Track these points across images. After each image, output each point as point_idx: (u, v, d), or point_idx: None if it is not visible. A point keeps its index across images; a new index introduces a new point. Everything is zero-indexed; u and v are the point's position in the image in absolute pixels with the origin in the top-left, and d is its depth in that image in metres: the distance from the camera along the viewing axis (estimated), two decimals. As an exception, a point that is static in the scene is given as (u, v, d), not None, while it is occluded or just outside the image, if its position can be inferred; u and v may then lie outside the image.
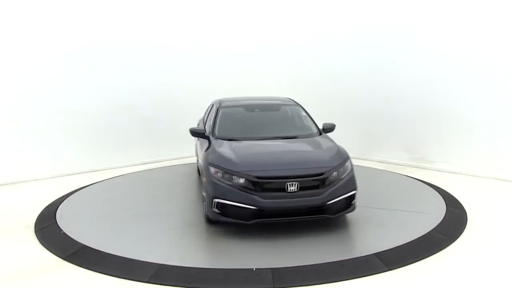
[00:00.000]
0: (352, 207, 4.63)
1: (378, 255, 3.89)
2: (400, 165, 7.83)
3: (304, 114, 5.93)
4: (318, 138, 5.30)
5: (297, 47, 9.44)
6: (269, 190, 4.30)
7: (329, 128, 5.64)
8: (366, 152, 8.35)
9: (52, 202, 5.77)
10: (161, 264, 3.78)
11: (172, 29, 8.55)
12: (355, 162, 8.13)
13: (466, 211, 5.17)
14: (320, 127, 5.68)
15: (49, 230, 4.75)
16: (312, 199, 4.29)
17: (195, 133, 5.55)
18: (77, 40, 7.49)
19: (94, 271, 3.71)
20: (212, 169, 4.54)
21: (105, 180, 7.02)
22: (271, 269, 3.65)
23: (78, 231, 4.63)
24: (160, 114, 8.44)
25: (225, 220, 4.41)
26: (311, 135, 5.41)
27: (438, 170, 7.37)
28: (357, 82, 8.51)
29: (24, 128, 7.08)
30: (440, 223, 4.72)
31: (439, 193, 5.93)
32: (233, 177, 4.37)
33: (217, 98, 6.61)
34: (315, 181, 4.36)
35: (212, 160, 4.66)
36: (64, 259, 3.98)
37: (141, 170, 7.79)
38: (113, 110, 7.96)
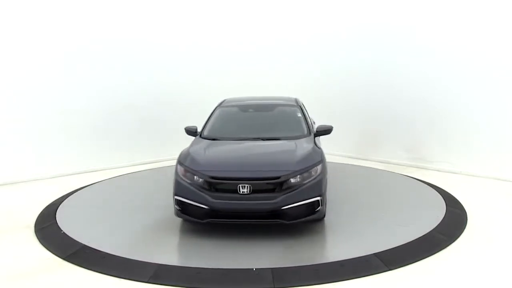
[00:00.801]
0: (317, 214, 4.34)
1: (378, 255, 3.89)
2: (400, 165, 7.83)
3: (299, 115, 5.71)
4: (301, 141, 5.00)
5: (297, 47, 9.45)
6: (221, 191, 4.30)
7: (324, 131, 5.40)
8: (366, 152, 8.35)
9: (52, 202, 5.77)
10: (161, 264, 3.77)
11: (172, 29, 8.55)
12: (355, 162, 8.17)
13: (466, 211, 5.17)
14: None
15: (49, 230, 4.75)
16: (264, 203, 4.18)
17: (188, 131, 5.72)
18: (77, 40, 7.50)
19: (94, 271, 3.71)
20: (178, 167, 4.66)
21: (105, 180, 7.02)
22: (271, 269, 3.65)
23: (78, 231, 4.63)
24: (160, 114, 8.45)
25: (184, 217, 4.55)
26: (296, 137, 5.13)
27: (438, 170, 7.37)
28: (357, 82, 8.51)
29: (24, 128, 7.09)
30: (440, 223, 4.71)
31: (439, 193, 5.92)
32: (194, 176, 4.43)
33: (217, 98, 6.63)
34: (269, 184, 4.25)
35: (180, 158, 4.78)
36: (64, 259, 3.98)
37: (141, 170, 7.79)
38: (113, 110, 7.96)
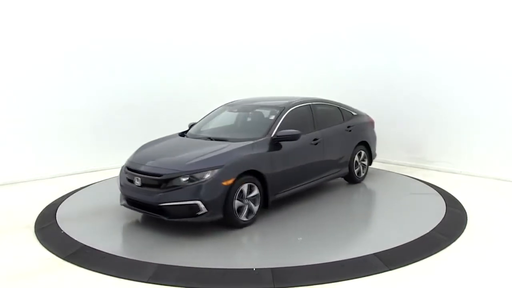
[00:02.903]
0: (199, 218, 4.34)
1: (378, 255, 3.89)
2: (400, 165, 7.83)
3: (271, 118, 5.36)
4: (237, 144, 4.83)
5: (296, 48, 9.44)
6: (128, 180, 4.81)
7: (284, 136, 5.01)
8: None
9: (52, 202, 5.77)
10: (161, 264, 3.77)
11: (172, 29, 8.55)
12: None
13: (466, 211, 5.17)
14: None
15: (49, 230, 4.75)
16: (147, 196, 4.49)
17: (190, 127, 6.09)
18: (77, 40, 7.49)
19: (94, 271, 3.71)
20: None
21: (105, 180, 7.02)
22: (271, 269, 3.64)
23: (78, 231, 4.63)
24: (160, 114, 8.44)
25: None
26: (246, 139, 4.96)
27: (438, 170, 7.37)
28: (357, 82, 8.50)
29: (24, 128, 7.08)
30: (440, 223, 4.71)
31: (439, 193, 5.92)
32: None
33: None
34: (154, 180, 4.48)
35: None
36: (64, 259, 3.97)
37: (141, 170, 7.77)
38: (113, 110, 7.96)
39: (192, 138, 5.49)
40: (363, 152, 6.52)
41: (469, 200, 5.55)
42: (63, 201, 5.81)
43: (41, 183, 6.98)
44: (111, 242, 4.42)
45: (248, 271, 3.64)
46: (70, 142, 7.54)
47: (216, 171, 4.37)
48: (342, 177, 6.33)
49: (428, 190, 6.12)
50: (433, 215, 4.97)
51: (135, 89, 8.18)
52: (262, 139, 4.98)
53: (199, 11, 8.86)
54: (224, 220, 4.51)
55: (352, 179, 6.40)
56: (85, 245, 4.22)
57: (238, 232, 4.56)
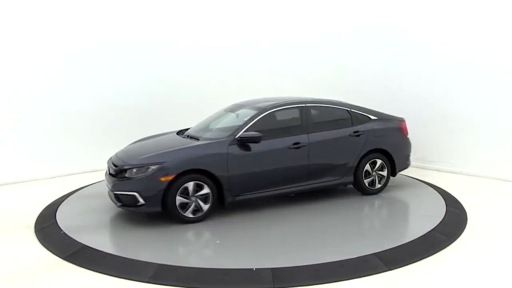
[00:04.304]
0: (139, 208, 4.74)
1: (378, 255, 3.89)
2: (400, 165, 7.82)
3: (245, 119, 5.32)
4: (194, 143, 5.07)
5: (296, 48, 9.44)
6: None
7: (246, 138, 5.00)
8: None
9: (52, 202, 5.77)
10: (161, 264, 3.77)
11: (173, 29, 8.54)
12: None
13: (466, 211, 5.17)
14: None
15: (49, 230, 4.75)
16: (109, 184, 5.01)
17: None
18: (77, 40, 7.49)
19: (94, 271, 3.71)
20: None
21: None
22: (271, 269, 3.64)
23: (78, 231, 4.63)
24: (160, 114, 8.43)
25: None
26: (211, 139, 5.15)
27: (438, 170, 7.37)
28: (357, 83, 8.50)
29: (24, 128, 7.08)
30: (440, 223, 4.71)
31: (439, 193, 5.93)
32: None
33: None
34: (113, 170, 5.00)
35: None
36: (64, 259, 3.98)
37: (141, 170, 7.77)
38: (113, 110, 7.95)
39: (180, 136, 5.68)
40: (379, 161, 5.83)
41: (469, 200, 5.55)
42: (63, 201, 5.81)
43: (41, 183, 6.98)
44: (111, 242, 4.43)
45: (248, 271, 3.64)
46: (70, 142, 7.54)
47: (155, 167, 4.68)
48: (346, 185, 5.89)
49: (428, 190, 6.12)
50: (433, 215, 4.97)
51: (135, 89, 8.18)
52: (222, 139, 5.06)
53: (199, 11, 8.85)
54: (169, 214, 4.77)
55: (362, 189, 5.83)
56: (85, 245, 4.22)
57: (238, 232, 4.56)
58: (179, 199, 4.70)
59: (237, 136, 5.04)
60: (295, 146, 5.31)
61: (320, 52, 9.11)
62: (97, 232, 4.69)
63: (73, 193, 6.22)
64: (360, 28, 8.45)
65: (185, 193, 4.73)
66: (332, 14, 8.88)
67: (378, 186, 5.90)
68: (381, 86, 8.16)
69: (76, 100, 7.56)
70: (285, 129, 5.47)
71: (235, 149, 5.00)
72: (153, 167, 4.68)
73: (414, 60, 7.68)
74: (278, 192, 5.29)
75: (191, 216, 4.80)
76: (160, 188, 4.62)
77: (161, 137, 5.88)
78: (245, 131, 5.10)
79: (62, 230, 4.66)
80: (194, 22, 8.79)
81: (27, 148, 7.12)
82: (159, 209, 4.70)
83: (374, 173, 5.86)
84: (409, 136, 6.27)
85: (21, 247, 4.33)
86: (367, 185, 5.82)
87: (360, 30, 8.44)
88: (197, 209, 4.83)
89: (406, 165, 6.21)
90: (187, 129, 6.05)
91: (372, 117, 6.03)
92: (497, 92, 6.72)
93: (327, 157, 5.56)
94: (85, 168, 7.60)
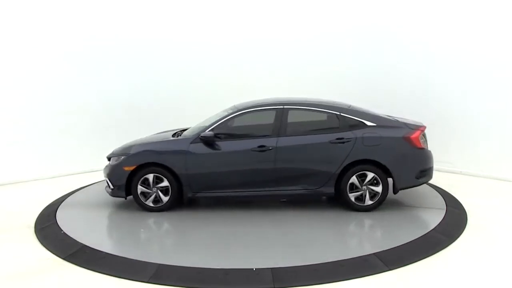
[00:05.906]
0: (111, 192, 5.40)
1: (378, 255, 3.89)
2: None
3: (216, 119, 5.37)
4: (168, 140, 5.48)
5: (296, 48, 9.43)
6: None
7: (204, 137, 5.12)
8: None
9: (52, 202, 5.77)
10: (161, 264, 3.77)
11: (173, 29, 8.53)
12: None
13: (466, 211, 5.17)
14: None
15: (49, 230, 4.75)
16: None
17: None
18: (77, 40, 7.49)
19: (94, 271, 3.71)
20: None
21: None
22: (271, 269, 3.64)
23: (78, 231, 4.63)
24: (161, 114, 8.43)
25: None
26: (188, 135, 5.39)
27: (438, 170, 7.33)
28: (357, 83, 8.50)
29: (25, 128, 7.08)
30: (440, 223, 4.71)
31: (439, 193, 5.93)
32: None
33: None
34: (107, 158, 5.62)
35: None
36: (64, 259, 3.98)
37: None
38: (113, 110, 7.96)
39: (170, 133, 5.95)
40: (370, 174, 5.02)
41: (469, 200, 5.55)
42: (63, 201, 5.81)
43: (41, 183, 6.98)
44: (111, 242, 4.43)
45: (248, 271, 3.64)
46: (70, 142, 7.54)
47: (122, 157, 5.30)
48: (325, 196, 5.43)
49: (428, 190, 6.11)
50: (433, 215, 4.98)
51: (135, 89, 8.18)
52: (186, 138, 5.33)
53: (199, 11, 8.84)
54: (135, 201, 5.26)
55: (348, 204, 5.12)
56: (85, 245, 4.22)
57: (238, 232, 4.56)
58: (140, 188, 5.18)
59: (201, 135, 5.19)
60: (260, 149, 5.04)
61: (320, 52, 9.09)
62: (97, 232, 4.70)
63: (73, 193, 6.22)
64: (360, 28, 8.44)
65: (146, 183, 5.18)
66: (333, 14, 8.88)
67: (369, 202, 5.09)
68: (381, 86, 8.16)
69: (76, 100, 7.56)
70: (256, 131, 5.33)
71: (196, 148, 5.15)
72: (123, 157, 5.29)
73: (414, 60, 7.67)
74: (243, 194, 5.18)
75: (151, 205, 5.23)
76: (123, 176, 5.18)
77: (160, 134, 6.11)
78: (209, 131, 5.20)
79: (62, 230, 4.66)
80: (194, 22, 8.78)
81: (27, 148, 7.13)
82: (123, 194, 5.27)
83: (364, 187, 5.08)
84: (427, 147, 5.36)
85: (21, 247, 4.33)
86: (353, 199, 5.09)
87: (361, 30, 8.43)
88: (158, 199, 5.21)
89: (414, 182, 5.22)
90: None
91: (369, 123, 5.20)
92: (498, 92, 6.72)
93: (299, 163, 5.09)
94: (85, 168, 7.60)
